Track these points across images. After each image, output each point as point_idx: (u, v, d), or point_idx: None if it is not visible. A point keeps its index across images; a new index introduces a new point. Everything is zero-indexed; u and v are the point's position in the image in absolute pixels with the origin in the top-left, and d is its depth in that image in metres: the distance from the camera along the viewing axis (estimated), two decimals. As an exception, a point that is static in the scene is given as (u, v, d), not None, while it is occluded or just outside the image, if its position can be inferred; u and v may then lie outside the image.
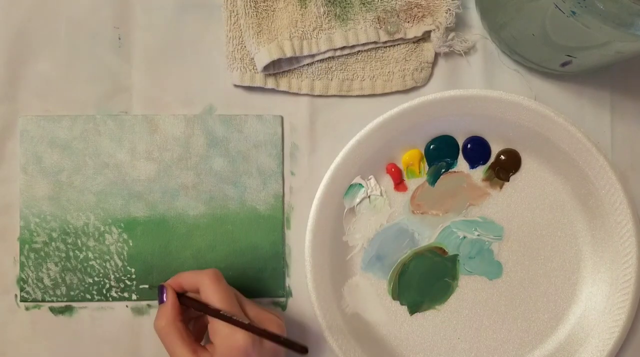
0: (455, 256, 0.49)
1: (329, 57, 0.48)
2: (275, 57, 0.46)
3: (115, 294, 0.47)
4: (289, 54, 0.46)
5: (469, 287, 0.49)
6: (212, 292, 0.40)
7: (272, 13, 0.47)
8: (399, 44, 0.48)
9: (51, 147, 0.47)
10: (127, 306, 0.48)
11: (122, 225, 0.47)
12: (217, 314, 0.39)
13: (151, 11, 0.48)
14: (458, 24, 0.49)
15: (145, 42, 0.48)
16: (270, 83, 0.48)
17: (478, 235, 0.49)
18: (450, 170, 0.49)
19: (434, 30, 0.48)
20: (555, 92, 0.50)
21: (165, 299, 0.41)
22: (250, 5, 0.46)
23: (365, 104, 0.49)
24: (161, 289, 0.41)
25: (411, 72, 0.48)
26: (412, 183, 0.49)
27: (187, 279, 0.41)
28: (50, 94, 0.48)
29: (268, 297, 0.48)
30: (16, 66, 0.48)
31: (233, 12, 0.47)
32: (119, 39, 0.48)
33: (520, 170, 0.49)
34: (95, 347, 0.47)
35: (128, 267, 0.47)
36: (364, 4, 0.47)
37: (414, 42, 0.48)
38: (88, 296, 0.47)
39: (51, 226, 0.47)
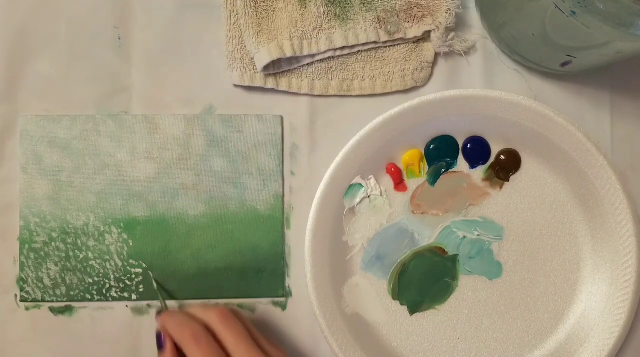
0: (455, 256, 0.49)
1: (329, 57, 0.48)
2: (275, 57, 0.46)
3: (115, 294, 0.47)
4: (289, 54, 0.46)
5: (469, 287, 0.49)
6: (225, 332, 0.39)
7: (272, 13, 0.47)
8: (399, 44, 0.48)
9: (51, 147, 0.47)
10: (127, 306, 0.48)
11: (122, 225, 0.47)
12: None
13: (151, 11, 0.48)
14: (458, 24, 0.49)
15: (145, 42, 0.48)
16: (270, 83, 0.48)
17: (478, 235, 0.49)
18: (450, 170, 0.49)
19: (434, 30, 0.48)
20: (555, 92, 0.50)
21: (164, 345, 0.41)
22: (250, 5, 0.46)
23: (365, 104, 0.49)
24: (159, 336, 0.41)
25: (411, 72, 0.48)
26: (412, 183, 0.49)
27: (195, 317, 0.41)
28: (50, 94, 0.48)
29: (268, 297, 0.48)
30: (16, 66, 0.48)
31: (233, 12, 0.47)
32: (119, 39, 0.48)
33: (520, 170, 0.49)
34: (95, 347, 0.47)
35: (128, 267, 0.47)
36: (364, 4, 0.47)
37: (414, 42, 0.49)
38: (88, 296, 0.47)
39: (51, 226, 0.47)
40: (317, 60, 0.48)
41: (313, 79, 0.48)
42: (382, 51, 0.48)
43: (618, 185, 0.47)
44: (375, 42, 0.48)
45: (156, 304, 0.48)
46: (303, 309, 0.48)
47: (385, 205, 0.49)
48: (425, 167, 0.49)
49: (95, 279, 0.47)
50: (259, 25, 0.46)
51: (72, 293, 0.47)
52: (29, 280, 0.47)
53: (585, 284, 0.49)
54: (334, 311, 0.47)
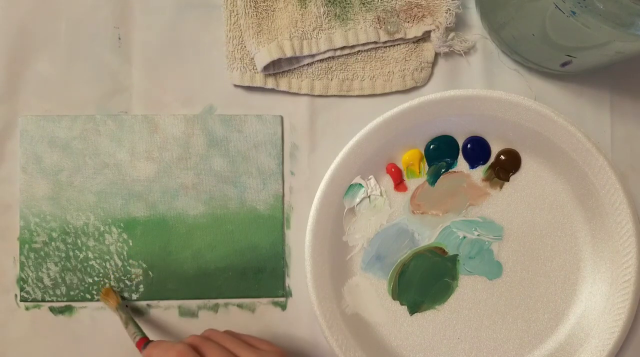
0: (455, 256, 0.49)
1: (329, 57, 0.48)
2: (275, 57, 0.46)
3: (115, 294, 0.47)
4: (289, 54, 0.46)
5: (469, 287, 0.49)
6: (207, 343, 0.39)
7: (272, 13, 0.47)
8: (399, 44, 0.48)
9: (51, 147, 0.47)
10: (127, 306, 0.48)
11: (122, 225, 0.47)
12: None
13: (151, 11, 0.48)
14: (458, 24, 0.49)
15: (145, 42, 0.48)
16: (270, 83, 0.48)
17: (478, 235, 0.49)
18: (450, 170, 0.49)
19: (434, 30, 0.48)
20: (555, 92, 0.50)
21: None
22: (250, 5, 0.46)
23: (365, 104, 0.49)
24: None
25: (411, 72, 0.48)
26: (412, 183, 0.49)
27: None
28: (50, 94, 0.48)
29: (268, 297, 0.48)
30: (16, 66, 0.48)
31: (233, 12, 0.47)
32: (119, 39, 0.48)
33: (520, 170, 0.49)
34: (95, 347, 0.47)
35: (128, 267, 0.47)
36: (364, 4, 0.47)
37: (414, 42, 0.49)
38: (88, 296, 0.47)
39: (51, 225, 0.47)
40: (317, 60, 0.48)
41: (313, 79, 0.48)
42: (382, 51, 0.48)
43: (618, 185, 0.47)
44: (375, 42, 0.48)
45: (156, 304, 0.48)
46: (303, 309, 0.48)
47: (385, 205, 0.49)
48: (425, 167, 0.49)
49: (95, 279, 0.47)
50: (259, 25, 0.46)
51: (72, 293, 0.47)
52: (29, 280, 0.47)
53: (585, 284, 0.49)
54: (334, 311, 0.47)
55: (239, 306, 0.48)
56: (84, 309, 0.48)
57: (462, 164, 0.49)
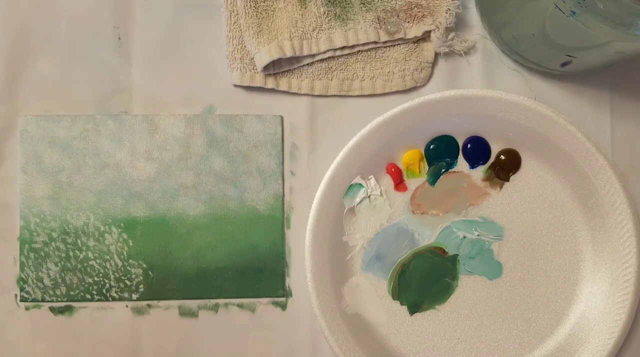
0: (455, 256, 0.49)
1: (329, 57, 0.48)
2: (275, 57, 0.46)
3: (115, 294, 0.47)
4: (289, 54, 0.46)
5: (469, 287, 0.49)
6: None
7: (272, 13, 0.47)
8: (399, 44, 0.48)
9: (51, 147, 0.47)
10: (127, 306, 0.48)
11: (122, 225, 0.47)
12: None
13: (151, 11, 0.48)
14: (458, 24, 0.49)
15: (145, 41, 0.48)
16: (270, 83, 0.48)
17: (478, 235, 0.49)
18: (450, 170, 0.49)
19: (434, 30, 0.48)
20: (555, 92, 0.50)
21: None
22: (250, 5, 0.46)
23: (365, 104, 0.49)
24: None
25: (411, 72, 0.48)
26: (412, 183, 0.49)
27: None
28: (50, 94, 0.48)
29: (268, 297, 0.48)
30: (16, 66, 0.48)
31: (233, 12, 0.47)
32: (119, 38, 0.48)
33: (520, 170, 0.49)
34: (95, 347, 0.47)
35: (128, 267, 0.47)
36: (364, 4, 0.47)
37: (414, 42, 0.49)
38: (88, 296, 0.47)
39: (51, 225, 0.47)
40: (317, 60, 0.48)
41: (313, 79, 0.48)
42: (382, 51, 0.48)
43: (618, 185, 0.47)
44: (375, 42, 0.48)
45: (156, 304, 0.48)
46: (303, 309, 0.48)
47: (385, 205, 0.49)
48: (425, 167, 0.49)
49: (95, 279, 0.47)
50: (259, 25, 0.46)
51: (72, 293, 0.47)
52: (29, 280, 0.47)
53: (585, 284, 0.49)
54: (334, 311, 0.47)
55: (239, 306, 0.48)
56: (84, 309, 0.48)
57: (462, 164, 0.49)
